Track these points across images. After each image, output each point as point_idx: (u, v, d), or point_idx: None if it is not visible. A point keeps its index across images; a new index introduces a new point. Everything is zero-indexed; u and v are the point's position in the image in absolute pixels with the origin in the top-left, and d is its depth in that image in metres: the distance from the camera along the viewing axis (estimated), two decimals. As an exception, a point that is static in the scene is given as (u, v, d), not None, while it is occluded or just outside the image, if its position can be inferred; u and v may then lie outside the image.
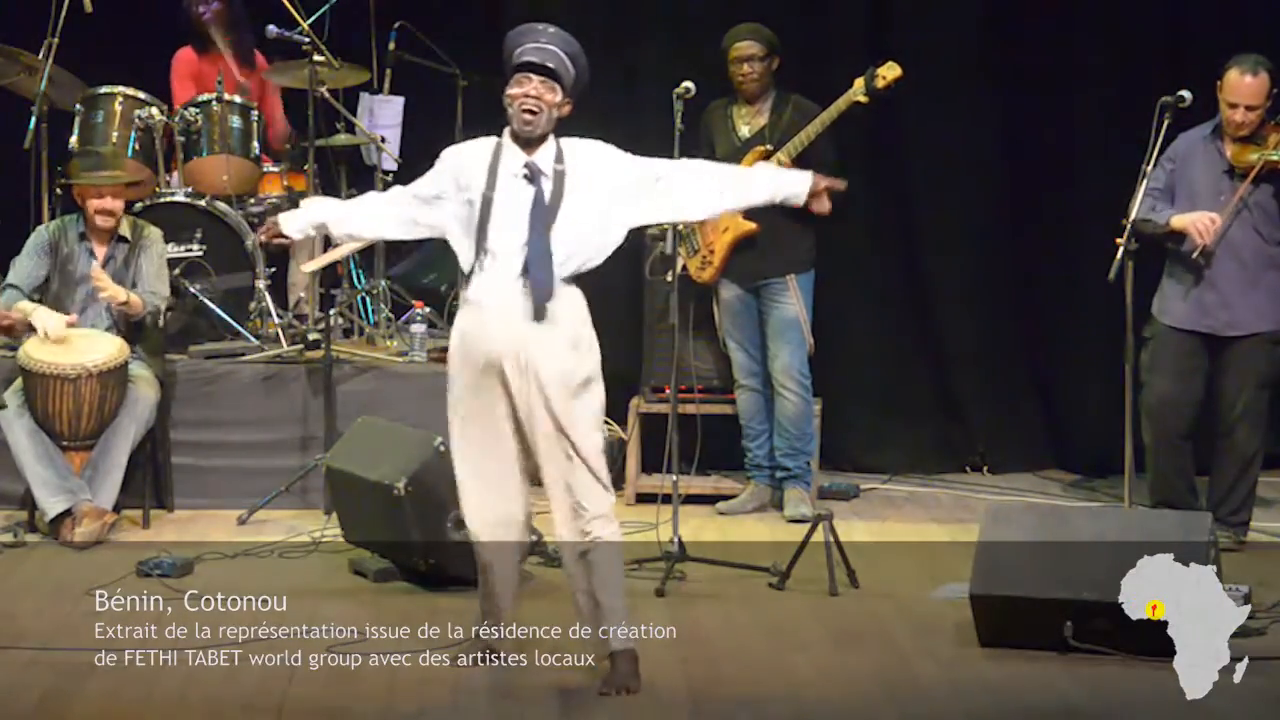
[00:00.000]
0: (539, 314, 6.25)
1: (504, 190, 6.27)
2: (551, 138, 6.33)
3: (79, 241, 8.77)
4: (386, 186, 9.64)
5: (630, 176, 6.36)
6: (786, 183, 6.58)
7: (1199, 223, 8.01)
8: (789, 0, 9.60)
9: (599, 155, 6.37)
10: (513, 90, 6.27)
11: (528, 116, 6.25)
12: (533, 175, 6.27)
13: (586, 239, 6.32)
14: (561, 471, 6.31)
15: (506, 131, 6.33)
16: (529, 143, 6.28)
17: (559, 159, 6.30)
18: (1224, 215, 8.05)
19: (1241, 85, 8.00)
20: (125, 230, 8.81)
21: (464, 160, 6.35)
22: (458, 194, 6.33)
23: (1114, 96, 9.56)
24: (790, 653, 6.88)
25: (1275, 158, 8.01)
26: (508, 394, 6.29)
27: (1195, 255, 8.03)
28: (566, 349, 6.29)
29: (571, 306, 6.33)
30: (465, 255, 6.31)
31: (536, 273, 6.23)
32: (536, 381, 6.25)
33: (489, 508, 6.42)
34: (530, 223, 6.24)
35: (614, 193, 6.34)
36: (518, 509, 6.47)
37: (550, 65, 6.27)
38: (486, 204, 6.27)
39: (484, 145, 6.35)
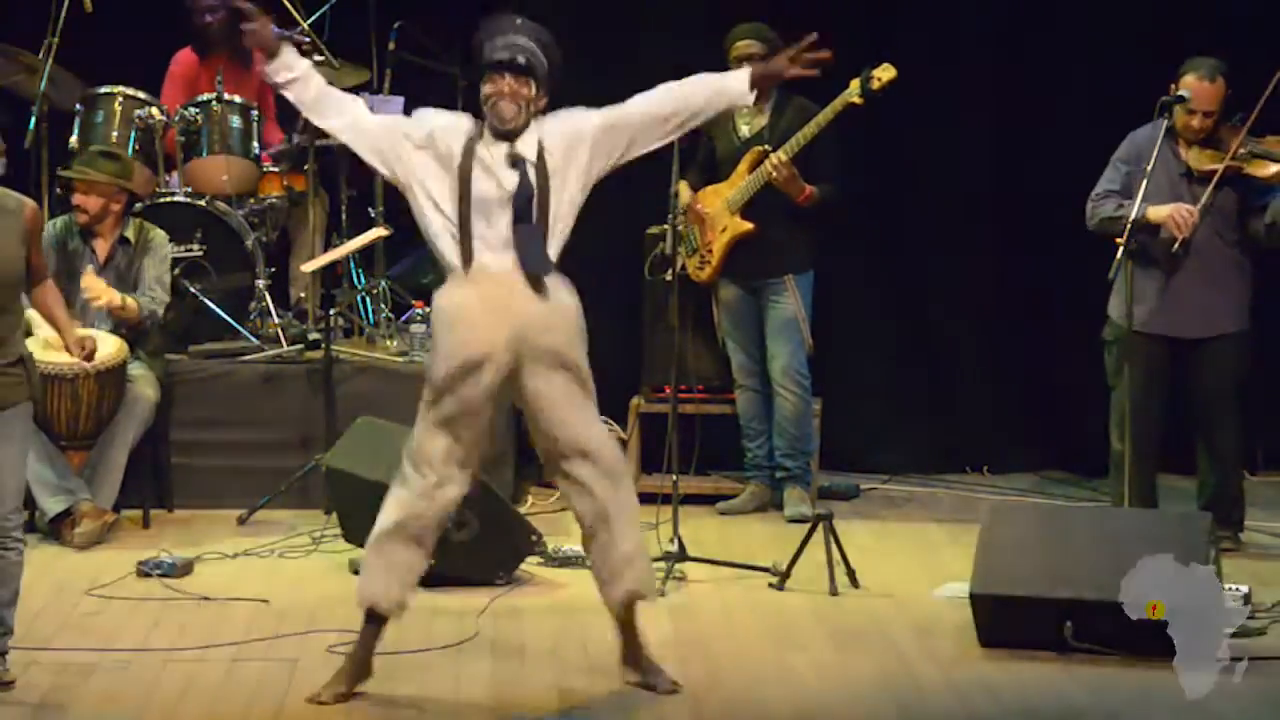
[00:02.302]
0: (537, 293, 6.19)
1: (485, 176, 6.20)
2: (532, 124, 6.28)
3: (83, 241, 8.79)
4: (386, 187, 9.65)
5: (596, 131, 6.32)
6: (726, 87, 6.42)
7: (1178, 214, 7.98)
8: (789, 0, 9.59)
9: (570, 125, 6.31)
10: (487, 89, 6.24)
11: (506, 115, 6.22)
12: (516, 163, 6.23)
13: (567, 211, 6.30)
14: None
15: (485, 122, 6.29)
16: (509, 135, 6.24)
17: (540, 147, 6.25)
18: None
19: (1199, 91, 7.98)
20: (129, 233, 8.82)
21: (443, 126, 6.27)
22: (433, 154, 6.26)
23: (1114, 96, 9.55)
24: (790, 653, 6.89)
25: (1238, 163, 7.98)
26: (499, 379, 6.21)
27: (1175, 249, 8.01)
28: (565, 331, 6.23)
29: (567, 293, 6.28)
30: (443, 238, 6.23)
31: (530, 260, 6.18)
32: (543, 354, 6.18)
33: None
34: (516, 214, 6.19)
35: (590, 153, 6.32)
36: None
37: (521, 61, 6.23)
38: (466, 184, 6.21)
39: (463, 121, 6.27)
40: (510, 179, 6.21)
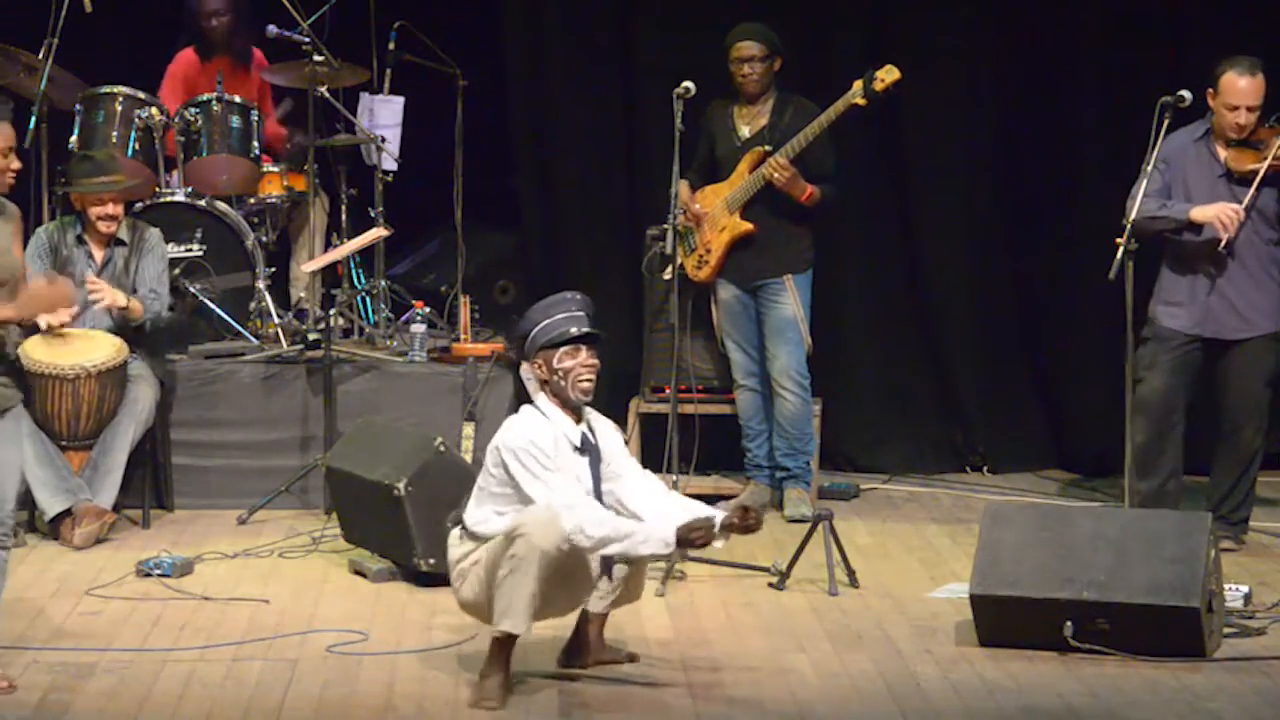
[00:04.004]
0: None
1: (566, 459, 6.40)
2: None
3: (77, 245, 8.76)
4: (386, 187, 9.65)
5: (616, 462, 6.54)
6: (652, 538, 6.39)
7: (1224, 215, 7.97)
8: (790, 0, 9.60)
9: (614, 436, 6.57)
10: (566, 363, 6.36)
11: (588, 386, 6.40)
12: (585, 448, 6.44)
13: None
14: None
15: (547, 397, 6.40)
16: (577, 411, 6.43)
17: (590, 429, 6.49)
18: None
19: (1243, 87, 8.00)
20: (123, 233, 8.80)
21: (551, 443, 6.38)
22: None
23: (1114, 96, 9.55)
24: (790, 653, 6.89)
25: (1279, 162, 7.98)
26: None
27: (1221, 247, 8.01)
28: None
29: None
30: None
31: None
32: None
33: None
34: (594, 493, 6.44)
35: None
36: None
37: (598, 334, 6.44)
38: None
39: (542, 423, 6.39)
40: (581, 463, 6.44)
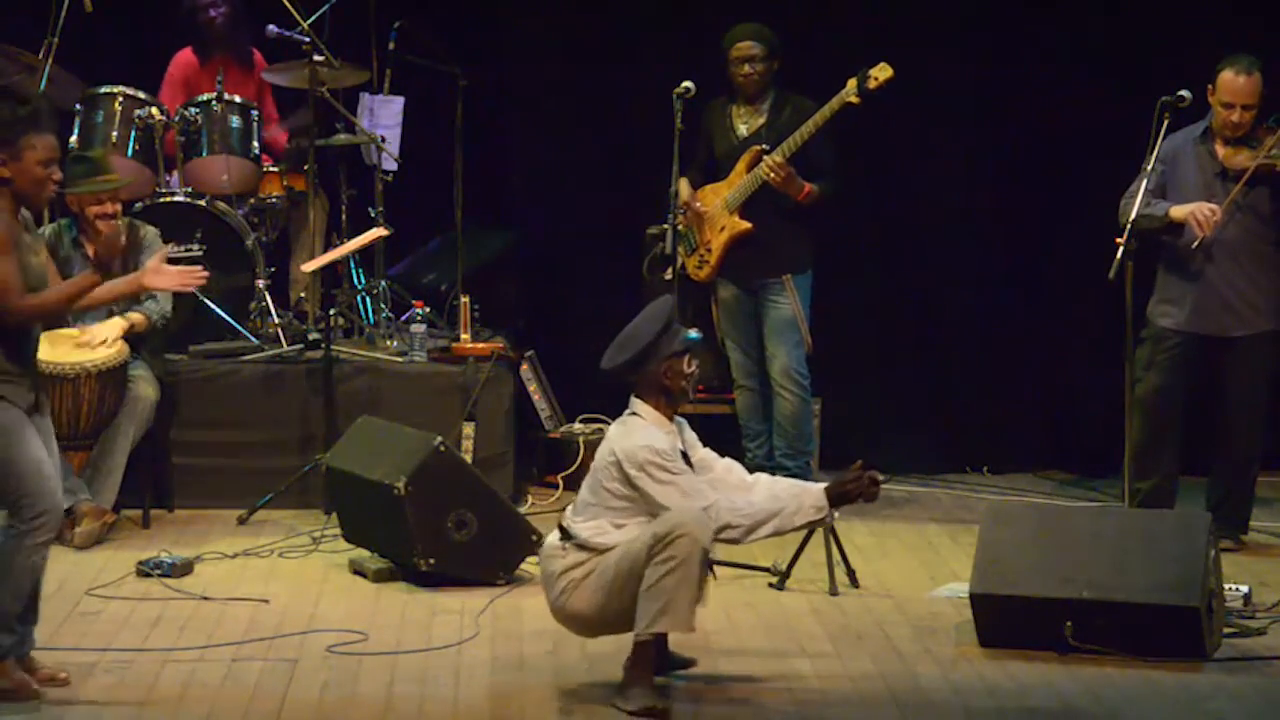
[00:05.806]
0: None
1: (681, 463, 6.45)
2: None
3: (74, 247, 8.74)
4: (386, 187, 9.65)
5: (698, 453, 6.58)
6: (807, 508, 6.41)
7: (1199, 213, 8.00)
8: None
9: (686, 426, 6.58)
10: (690, 368, 6.41)
11: (693, 391, 6.50)
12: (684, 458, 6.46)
13: None
14: None
15: (652, 405, 6.41)
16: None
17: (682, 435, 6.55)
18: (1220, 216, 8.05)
19: (1238, 85, 8.02)
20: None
21: (670, 448, 6.38)
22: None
23: (1114, 96, 9.55)
24: (790, 653, 6.89)
25: (1271, 161, 8.00)
26: None
27: (1195, 246, 8.03)
28: None
29: None
30: None
31: None
32: None
33: None
34: None
35: None
36: None
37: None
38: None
39: (655, 430, 6.38)
40: None
